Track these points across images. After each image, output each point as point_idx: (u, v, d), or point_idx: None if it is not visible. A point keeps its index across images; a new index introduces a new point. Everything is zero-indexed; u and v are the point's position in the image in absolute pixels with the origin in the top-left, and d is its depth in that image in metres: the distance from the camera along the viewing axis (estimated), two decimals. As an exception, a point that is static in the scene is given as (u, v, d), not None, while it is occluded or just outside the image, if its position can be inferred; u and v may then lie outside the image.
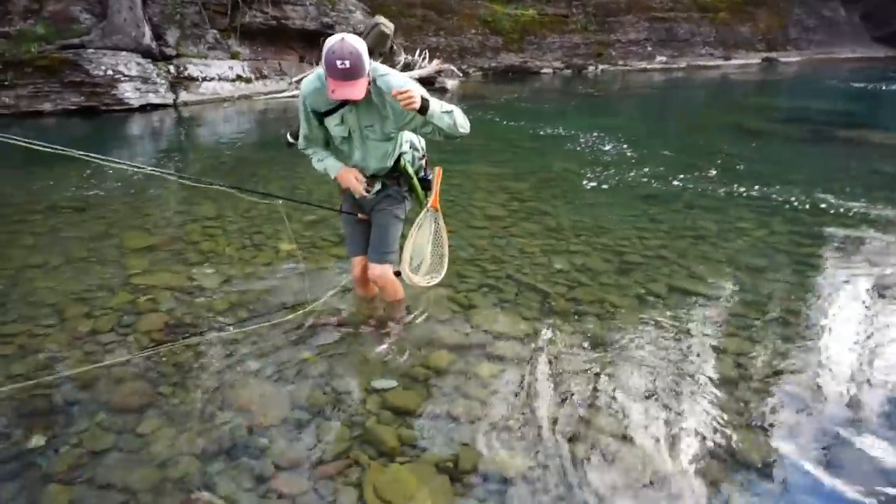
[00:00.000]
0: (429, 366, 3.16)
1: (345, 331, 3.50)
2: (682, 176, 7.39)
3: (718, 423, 2.78)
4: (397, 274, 3.50)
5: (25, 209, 5.86)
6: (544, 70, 23.53)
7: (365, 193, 3.15)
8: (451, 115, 2.86)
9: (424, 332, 3.50)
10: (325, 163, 3.14)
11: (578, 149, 9.17)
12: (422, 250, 3.64)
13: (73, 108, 12.51)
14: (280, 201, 3.16)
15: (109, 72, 12.45)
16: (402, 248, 3.41)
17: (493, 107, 14.29)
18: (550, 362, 3.22)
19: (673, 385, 3.08)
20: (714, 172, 7.51)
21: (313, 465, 2.46)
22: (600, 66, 24.46)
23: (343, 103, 2.88)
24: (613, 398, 2.95)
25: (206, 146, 10.26)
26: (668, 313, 3.80)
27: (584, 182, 7.14)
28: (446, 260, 3.73)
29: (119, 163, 2.70)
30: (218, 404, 2.84)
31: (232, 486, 2.35)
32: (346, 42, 2.65)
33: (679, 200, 6.39)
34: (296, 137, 3.40)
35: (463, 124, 2.93)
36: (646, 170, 7.78)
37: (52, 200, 6.14)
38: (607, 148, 9.19)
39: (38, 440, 2.61)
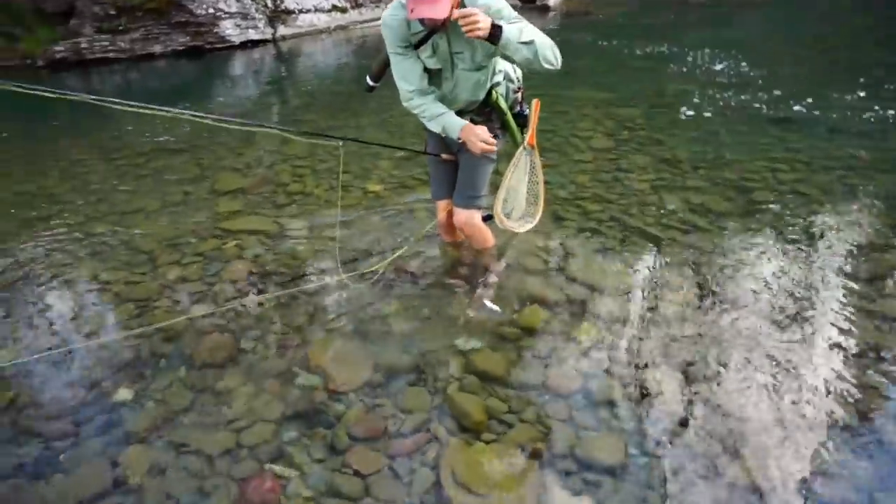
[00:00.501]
0: (520, 324, 2.85)
1: (429, 282, 3.24)
2: (824, 96, 6.35)
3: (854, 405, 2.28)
4: (487, 219, 3.17)
5: (133, 152, 6.01)
6: (658, -21, 21.25)
7: (494, 149, 2.74)
8: (532, 47, 2.38)
9: (515, 284, 3.17)
10: (442, 120, 2.69)
11: (696, 68, 8.15)
12: (516, 193, 3.27)
13: (181, 48, 12.84)
14: (340, 143, 2.87)
15: (210, 10, 12.57)
16: (494, 189, 3.05)
17: (599, 24, 13.11)
18: (660, 325, 2.80)
19: (807, 358, 2.57)
20: (864, 92, 6.38)
21: (390, 437, 2.26)
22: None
23: (431, 31, 2.50)
24: (734, 372, 2.50)
25: (303, 81, 10.17)
26: (807, 266, 3.20)
27: (705, 106, 6.31)
28: (542, 202, 3.33)
29: (144, 108, 2.44)
30: (297, 362, 2.71)
31: (304, 457, 2.20)
32: None
33: (821, 124, 5.47)
34: (376, 79, 3.06)
35: (549, 58, 2.46)
36: (778, 90, 6.77)
37: (157, 143, 6.27)
38: (730, 66, 8.10)
39: (124, 394, 2.60)
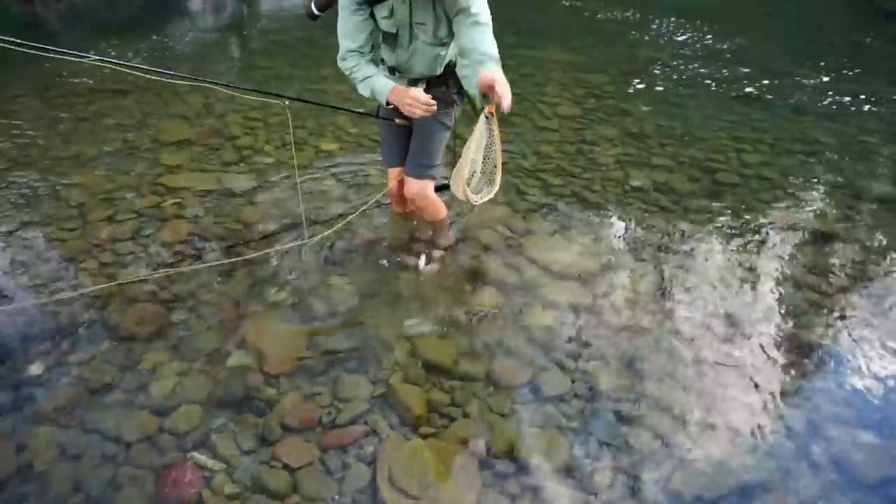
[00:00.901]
0: (471, 309, 2.72)
1: (378, 255, 3.08)
2: (794, 73, 6.28)
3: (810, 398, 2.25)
4: (441, 188, 3.00)
5: (72, 90, 5.57)
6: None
7: (428, 115, 2.37)
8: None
9: (469, 263, 3.03)
10: (370, 82, 2.42)
11: (669, 35, 7.97)
12: (474, 163, 3.10)
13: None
14: (286, 102, 2.63)
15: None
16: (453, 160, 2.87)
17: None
18: (617, 312, 2.72)
19: (762, 352, 2.53)
20: (835, 69, 6.33)
21: (325, 428, 2.13)
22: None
23: None
24: (692, 369, 2.44)
25: (264, 22, 9.62)
26: (768, 254, 3.15)
27: (673, 77, 6.17)
28: (500, 174, 3.17)
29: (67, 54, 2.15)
30: (232, 339, 2.53)
31: (232, 447, 2.06)
32: None
33: (788, 104, 5.41)
34: (322, 8, 2.79)
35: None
36: (749, 63, 6.67)
37: (100, 82, 5.82)
38: (698, 37, 7.94)
39: (36, 368, 2.40)
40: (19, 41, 2.00)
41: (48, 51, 2.12)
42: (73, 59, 2.16)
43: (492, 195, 3.18)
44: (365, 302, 2.76)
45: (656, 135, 4.61)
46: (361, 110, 3.30)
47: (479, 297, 2.78)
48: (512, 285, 2.87)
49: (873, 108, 5.25)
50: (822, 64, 6.59)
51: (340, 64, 2.47)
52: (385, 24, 2.40)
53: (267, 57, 7.08)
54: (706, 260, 3.13)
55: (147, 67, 2.47)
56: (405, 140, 2.87)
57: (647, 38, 7.86)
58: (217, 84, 3.00)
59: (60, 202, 3.57)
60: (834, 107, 5.32)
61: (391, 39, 2.47)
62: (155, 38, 7.88)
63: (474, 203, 3.01)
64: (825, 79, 6.11)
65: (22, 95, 5.22)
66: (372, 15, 2.37)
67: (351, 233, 3.24)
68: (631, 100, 5.44)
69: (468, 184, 2.95)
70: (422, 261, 2.98)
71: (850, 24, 8.81)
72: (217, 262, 2.97)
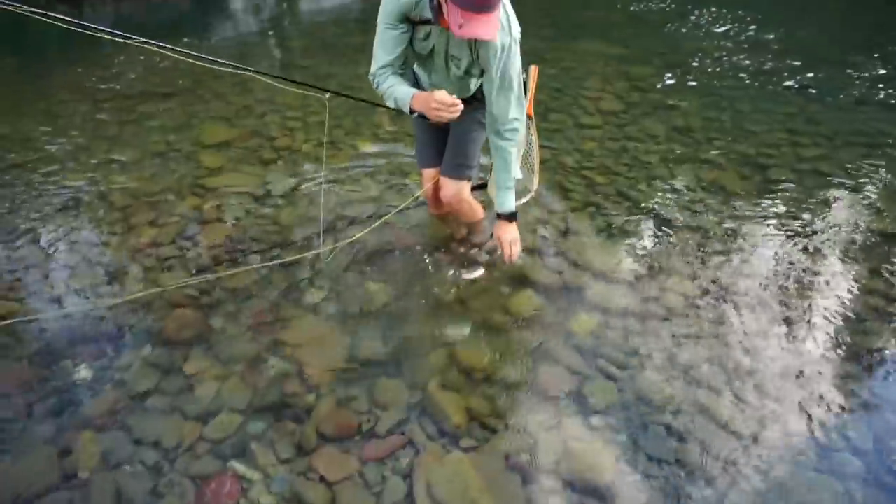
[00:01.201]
0: (511, 311, 2.64)
1: (415, 258, 3.02)
2: (847, 62, 5.96)
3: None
4: (478, 188, 2.94)
5: (118, 93, 5.69)
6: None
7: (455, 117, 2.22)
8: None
9: (508, 268, 2.94)
10: (393, 92, 2.31)
11: (715, 24, 7.67)
12: None
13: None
14: (327, 95, 2.60)
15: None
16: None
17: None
18: (666, 318, 2.60)
19: (824, 362, 2.38)
20: (892, 59, 5.98)
21: (363, 438, 2.09)
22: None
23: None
24: (748, 380, 2.31)
25: (304, 22, 9.68)
26: (826, 256, 2.97)
27: (720, 67, 5.93)
28: (537, 176, 3.10)
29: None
30: (270, 344, 2.52)
31: (269, 457, 2.04)
32: None
33: (846, 93, 5.12)
34: None
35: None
36: (797, 55, 6.36)
37: (147, 85, 5.94)
38: (746, 25, 7.63)
39: (84, 372, 2.43)
40: (79, 22, 2.06)
41: (97, 31, 2.15)
42: (119, 39, 2.19)
43: (528, 198, 3.12)
44: (402, 305, 2.71)
45: (704, 129, 4.42)
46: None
47: (519, 301, 2.70)
48: (554, 288, 2.78)
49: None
50: (877, 55, 6.24)
51: (370, 77, 2.41)
52: (420, 46, 2.34)
53: (307, 56, 7.11)
54: (760, 263, 2.97)
55: (189, 52, 2.47)
56: (441, 140, 2.81)
57: (684, 29, 7.59)
58: (259, 73, 2.99)
59: (106, 205, 3.63)
60: (894, 98, 5.02)
61: (425, 61, 2.42)
62: (197, 39, 8.01)
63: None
64: (882, 70, 5.78)
65: (69, 100, 5.35)
66: (409, 33, 2.31)
67: (388, 235, 3.19)
68: (676, 93, 5.24)
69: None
70: (460, 264, 2.91)
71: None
72: (256, 266, 2.97)
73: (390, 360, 2.41)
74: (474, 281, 2.83)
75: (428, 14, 2.19)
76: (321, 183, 3.72)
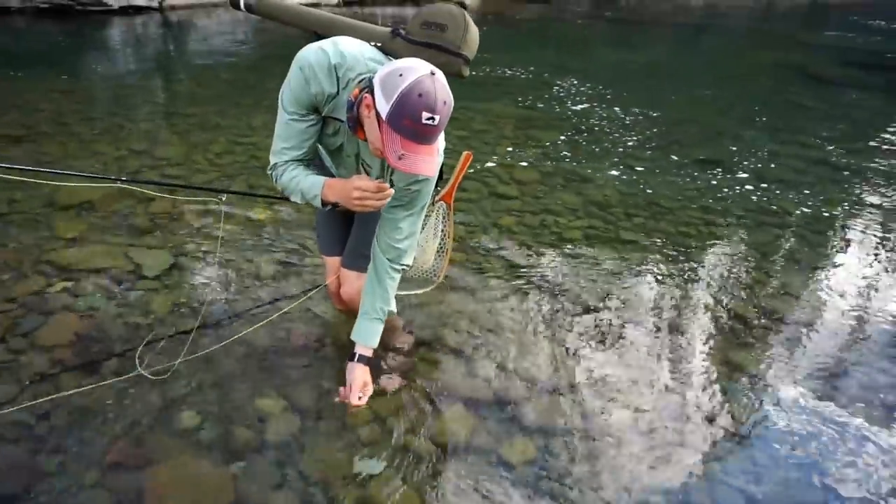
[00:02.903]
0: (435, 438, 2.20)
1: (315, 363, 2.52)
2: (745, 133, 6.24)
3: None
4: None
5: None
6: (574, -11, 21.49)
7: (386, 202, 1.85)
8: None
9: (430, 373, 2.52)
10: (298, 184, 1.90)
11: (615, 89, 7.90)
12: (422, 252, 2.70)
13: (45, 6, 11.13)
14: (223, 197, 2.12)
15: (85, -35, 10.95)
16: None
17: (516, 30, 12.79)
18: (615, 438, 2.26)
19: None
20: (786, 130, 6.35)
21: None
22: (633, -12, 22.37)
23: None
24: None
25: (190, 62, 8.97)
26: (779, 367, 2.81)
27: (628, 136, 5.99)
28: (446, 264, 2.78)
29: None
30: (128, 493, 1.91)
31: None
32: (440, 82, 1.57)
33: (746, 167, 5.28)
34: (250, 9, 2.31)
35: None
36: (699, 121, 6.63)
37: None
38: (650, 91, 7.94)
39: None
40: None
41: None
42: None
43: (430, 288, 2.82)
44: (300, 428, 2.19)
45: (621, 204, 4.30)
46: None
47: (443, 421, 2.28)
48: (483, 402, 2.38)
49: (831, 170, 5.21)
50: (772, 125, 6.61)
51: (270, 172, 1.98)
52: (327, 141, 1.95)
53: (193, 103, 6.48)
54: (698, 362, 2.75)
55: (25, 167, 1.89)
56: (346, 224, 2.39)
57: (591, 91, 7.73)
58: (134, 183, 2.44)
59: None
60: (792, 171, 5.22)
61: (333, 154, 2.03)
62: (66, 77, 7.12)
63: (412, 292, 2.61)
64: (778, 140, 6.07)
65: None
66: (319, 125, 1.91)
67: (282, 331, 2.68)
68: (588, 162, 5.16)
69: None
70: (373, 371, 2.46)
71: (786, 85, 9.04)
72: (112, 381, 2.33)
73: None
74: (391, 393, 2.38)
75: (341, 116, 1.82)
76: (213, 259, 3.15)
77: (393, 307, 2.22)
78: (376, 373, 2.42)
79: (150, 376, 2.31)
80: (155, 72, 8.13)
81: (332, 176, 2.20)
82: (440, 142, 1.82)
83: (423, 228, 2.38)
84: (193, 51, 9.84)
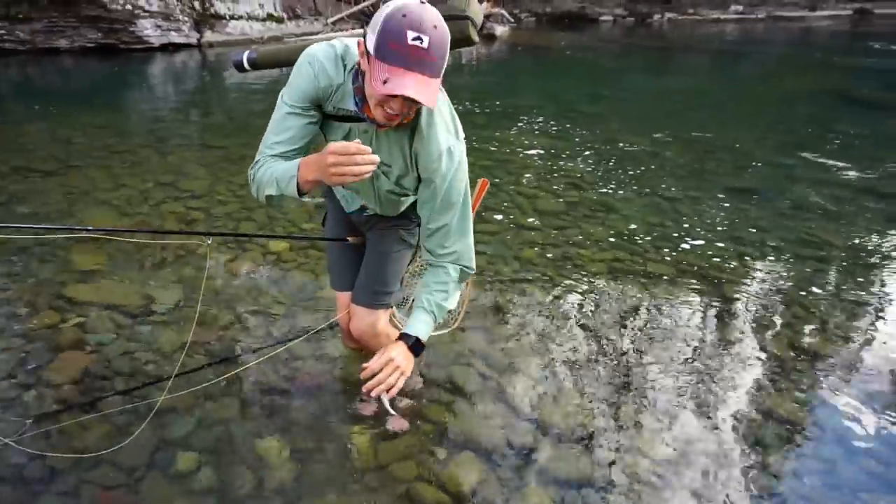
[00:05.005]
0: (446, 485, 2.07)
1: (321, 404, 2.42)
2: (782, 160, 6.01)
3: None
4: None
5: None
6: (604, 17, 21.66)
7: (370, 169, 1.45)
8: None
9: (439, 415, 2.39)
10: (271, 173, 1.65)
11: (647, 117, 7.76)
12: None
13: (91, 45, 11.62)
14: (209, 240, 2.06)
15: (128, 6, 11.42)
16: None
17: (546, 59, 12.78)
18: (631, 487, 2.09)
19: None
20: (826, 157, 6.09)
21: None
22: (667, 15, 22.32)
23: (359, 118, 1.66)
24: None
25: (224, 97, 9.19)
26: (810, 420, 2.60)
27: (658, 164, 5.82)
28: (464, 309, 2.65)
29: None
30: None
31: None
32: (429, 8, 1.41)
33: (785, 196, 5.05)
34: (254, 65, 2.25)
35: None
36: (734, 148, 6.43)
37: (21, 160, 5.22)
38: (682, 117, 7.77)
39: None
40: None
41: None
42: None
43: (447, 331, 2.68)
44: (303, 475, 2.08)
45: (647, 235, 4.13)
46: (307, 235, 2.74)
47: (453, 469, 2.14)
48: (496, 449, 2.24)
49: (875, 201, 4.94)
50: (811, 151, 6.36)
51: (249, 172, 1.76)
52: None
53: (224, 135, 6.59)
54: (730, 410, 2.56)
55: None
56: (358, 259, 2.29)
57: (620, 120, 7.60)
58: (114, 232, 2.40)
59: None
60: (834, 201, 4.96)
61: None
62: (102, 112, 7.34)
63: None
64: (818, 167, 5.83)
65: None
66: (318, 124, 1.80)
67: (288, 368, 2.59)
68: (614, 193, 5.01)
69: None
70: (380, 413, 2.34)
71: (826, 110, 8.77)
72: (108, 410, 2.28)
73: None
74: (396, 437, 2.26)
75: (350, 105, 1.67)
76: (220, 297, 3.10)
77: (450, 306, 1.90)
78: (379, 418, 2.31)
79: (146, 411, 2.24)
80: (189, 106, 8.34)
81: (344, 203, 2.13)
82: (442, 93, 1.65)
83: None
84: (228, 86, 10.10)
